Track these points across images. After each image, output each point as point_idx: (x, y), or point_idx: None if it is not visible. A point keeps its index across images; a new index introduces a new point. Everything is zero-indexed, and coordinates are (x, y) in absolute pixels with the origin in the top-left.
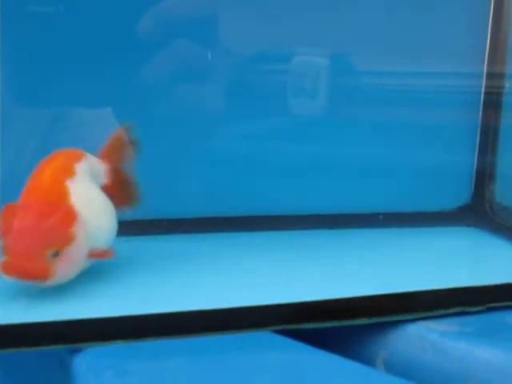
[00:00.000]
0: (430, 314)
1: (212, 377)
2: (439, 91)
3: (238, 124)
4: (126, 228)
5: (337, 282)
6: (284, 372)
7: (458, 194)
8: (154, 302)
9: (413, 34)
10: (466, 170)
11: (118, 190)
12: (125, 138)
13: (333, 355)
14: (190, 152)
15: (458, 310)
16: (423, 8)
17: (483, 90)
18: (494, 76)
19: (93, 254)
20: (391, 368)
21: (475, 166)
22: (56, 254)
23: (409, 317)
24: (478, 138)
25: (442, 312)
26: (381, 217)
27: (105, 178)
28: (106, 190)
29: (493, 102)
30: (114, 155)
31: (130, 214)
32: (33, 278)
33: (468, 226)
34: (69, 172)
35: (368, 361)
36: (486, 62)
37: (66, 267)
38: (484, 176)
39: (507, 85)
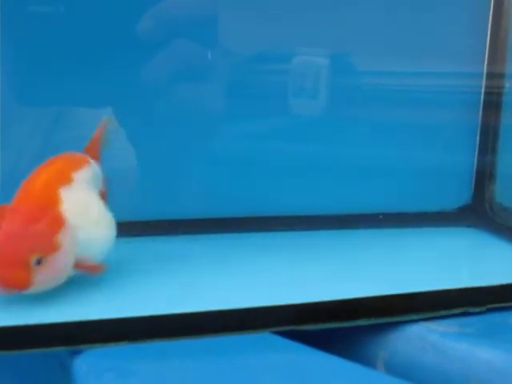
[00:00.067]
0: (431, 314)
1: (212, 378)
2: (439, 91)
3: (238, 124)
4: (125, 229)
5: (337, 282)
6: (284, 373)
7: (458, 194)
8: (154, 303)
9: (413, 34)
10: (466, 170)
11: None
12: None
13: (333, 356)
14: (190, 152)
15: (458, 310)
16: (423, 8)
17: (483, 90)
18: (494, 76)
19: (80, 266)
20: (391, 369)
21: (475, 166)
22: (39, 262)
23: (409, 317)
24: (478, 138)
25: (442, 313)
26: (381, 216)
27: (103, 183)
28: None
29: (493, 102)
30: (99, 154)
31: (130, 214)
32: (11, 288)
33: (468, 226)
34: (65, 178)
35: (368, 362)
36: (485, 62)
37: (49, 276)
38: (484, 176)
39: (507, 85)
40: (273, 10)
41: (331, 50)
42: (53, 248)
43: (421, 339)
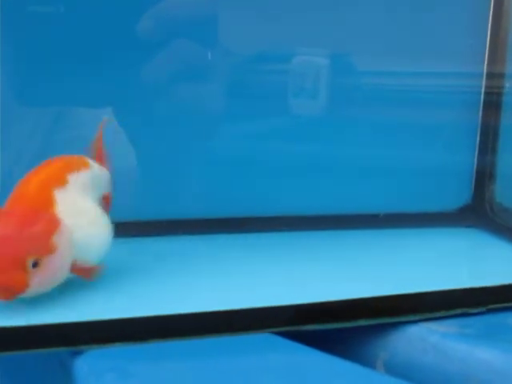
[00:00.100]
0: (431, 315)
1: (213, 378)
2: (439, 91)
3: (238, 124)
4: (125, 229)
5: (337, 283)
6: (284, 374)
7: (458, 195)
8: (154, 304)
9: (413, 34)
10: (466, 171)
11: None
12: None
13: (333, 357)
14: (190, 152)
15: (458, 311)
16: (423, 8)
17: (483, 90)
18: (494, 76)
19: (75, 270)
20: (391, 370)
21: (475, 167)
22: (35, 264)
23: (409, 318)
24: (478, 138)
25: (442, 313)
26: (381, 215)
27: (108, 186)
28: (106, 197)
29: (493, 102)
30: (104, 157)
31: (131, 215)
32: (9, 292)
33: (468, 226)
34: (59, 180)
35: (368, 362)
36: (485, 62)
37: (46, 278)
38: (484, 176)
39: (507, 85)
40: (273, 10)
41: (331, 50)
42: (49, 250)
43: (421, 340)
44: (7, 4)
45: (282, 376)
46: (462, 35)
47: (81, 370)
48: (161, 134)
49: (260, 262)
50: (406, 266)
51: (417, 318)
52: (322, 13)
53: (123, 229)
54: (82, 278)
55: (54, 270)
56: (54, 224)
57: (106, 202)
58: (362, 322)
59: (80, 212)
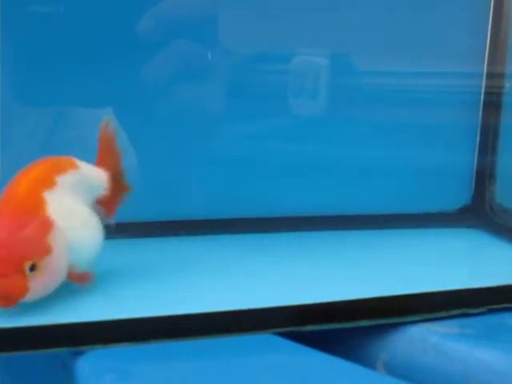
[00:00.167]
0: (431, 315)
1: (214, 379)
2: (439, 91)
3: (238, 124)
4: (125, 230)
5: (337, 283)
6: (285, 374)
7: (458, 195)
8: (155, 304)
9: (413, 34)
10: (466, 171)
11: (118, 195)
12: (110, 135)
13: (334, 357)
14: (190, 152)
15: (458, 311)
16: (423, 8)
17: (483, 90)
18: (494, 76)
19: (71, 276)
20: (392, 370)
21: (475, 167)
22: (33, 268)
23: (409, 319)
24: (478, 139)
25: (442, 314)
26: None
27: (105, 187)
28: (107, 199)
29: (493, 102)
30: (109, 158)
31: (131, 215)
32: (8, 298)
33: (468, 227)
34: (47, 182)
35: (368, 363)
36: (485, 62)
37: (44, 281)
38: (484, 177)
39: (507, 85)
40: (273, 10)
41: (331, 50)
42: (44, 252)
43: (421, 340)
44: (7, 4)
45: (283, 376)
46: (462, 35)
47: (82, 370)
48: (161, 134)
49: (261, 263)
50: (406, 267)
51: (417, 318)
52: (322, 13)
53: (124, 229)
54: (76, 283)
55: (52, 272)
56: (47, 225)
57: (104, 205)
58: (363, 323)
59: (70, 214)
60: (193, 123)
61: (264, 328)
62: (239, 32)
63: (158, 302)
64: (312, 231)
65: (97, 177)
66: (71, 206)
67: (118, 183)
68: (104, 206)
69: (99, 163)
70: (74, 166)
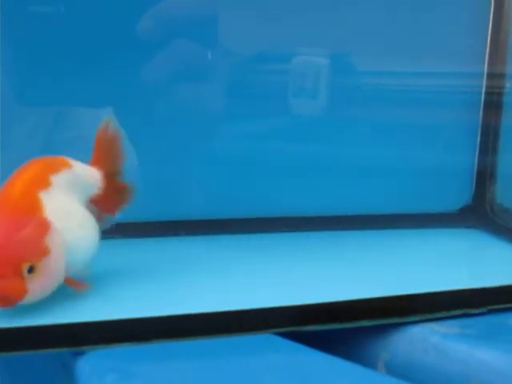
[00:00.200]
0: (432, 316)
1: (215, 379)
2: (439, 91)
3: (238, 124)
4: (125, 230)
5: (338, 283)
6: (286, 374)
7: (458, 195)
8: (156, 305)
9: (413, 34)
10: (466, 171)
11: (115, 194)
12: (109, 134)
13: (334, 357)
14: (191, 152)
15: (459, 311)
16: (423, 8)
17: (484, 90)
18: (495, 76)
19: (68, 280)
20: (392, 370)
21: (476, 167)
22: (31, 270)
23: (410, 319)
24: (478, 139)
25: (443, 314)
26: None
27: (99, 186)
28: (101, 198)
29: (493, 103)
30: (105, 157)
31: (130, 215)
32: (7, 300)
33: (469, 227)
34: (43, 183)
35: (369, 363)
36: (486, 62)
37: (43, 282)
38: (485, 177)
39: (508, 85)
40: (273, 10)
41: (331, 50)
42: (42, 253)
43: (422, 340)
44: (7, 4)
45: (284, 376)
46: (463, 35)
47: (83, 370)
48: (161, 134)
49: (261, 263)
50: (406, 267)
51: (418, 318)
52: (322, 13)
53: (124, 229)
54: (72, 288)
55: (50, 274)
56: (44, 227)
57: (99, 204)
58: (364, 323)
59: (67, 214)
60: (193, 123)
61: (264, 328)
62: (239, 32)
63: (159, 302)
64: (312, 231)
65: (90, 176)
66: (67, 207)
67: (114, 183)
68: (99, 205)
69: (93, 162)
70: (67, 166)
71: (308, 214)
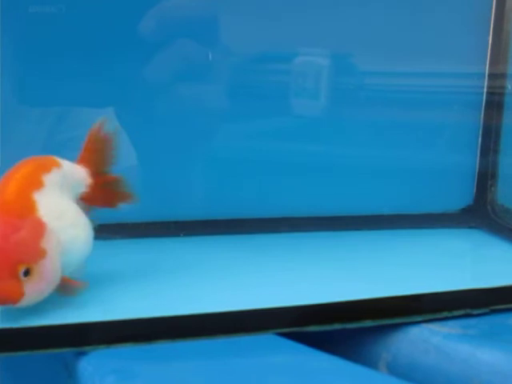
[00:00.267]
0: (433, 316)
1: (216, 379)
2: (441, 92)
3: (239, 124)
4: (126, 230)
5: (339, 284)
6: (287, 374)
7: (460, 196)
8: (157, 305)
9: (415, 35)
10: (467, 172)
11: (107, 191)
12: (101, 135)
13: (336, 358)
14: (192, 152)
15: (461, 312)
16: (425, 8)
17: (485, 91)
18: (496, 76)
19: (65, 281)
20: (394, 371)
21: (477, 168)
22: (27, 273)
23: (412, 319)
24: (480, 139)
25: (445, 314)
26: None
27: (87, 185)
28: (90, 195)
29: (495, 103)
30: (93, 157)
31: (131, 215)
32: (3, 303)
33: (470, 227)
34: (36, 183)
35: (371, 364)
36: (487, 63)
37: (39, 285)
38: (486, 177)
39: (509, 85)
40: (274, 11)
41: (332, 50)
42: (39, 255)
43: (423, 341)
44: (7, 4)
45: (286, 377)
46: (464, 35)
47: (85, 370)
48: (162, 134)
49: (261, 263)
50: (408, 267)
51: (419, 319)
52: (323, 13)
53: (124, 229)
54: (65, 294)
55: (47, 276)
56: (40, 228)
57: (88, 202)
58: (365, 323)
59: (60, 214)
60: (194, 123)
61: (266, 328)
62: (241, 32)
63: (159, 303)
64: (313, 231)
65: (77, 174)
66: (60, 206)
67: (103, 179)
68: (88, 203)
69: (80, 161)
70: (57, 165)
71: (309, 215)
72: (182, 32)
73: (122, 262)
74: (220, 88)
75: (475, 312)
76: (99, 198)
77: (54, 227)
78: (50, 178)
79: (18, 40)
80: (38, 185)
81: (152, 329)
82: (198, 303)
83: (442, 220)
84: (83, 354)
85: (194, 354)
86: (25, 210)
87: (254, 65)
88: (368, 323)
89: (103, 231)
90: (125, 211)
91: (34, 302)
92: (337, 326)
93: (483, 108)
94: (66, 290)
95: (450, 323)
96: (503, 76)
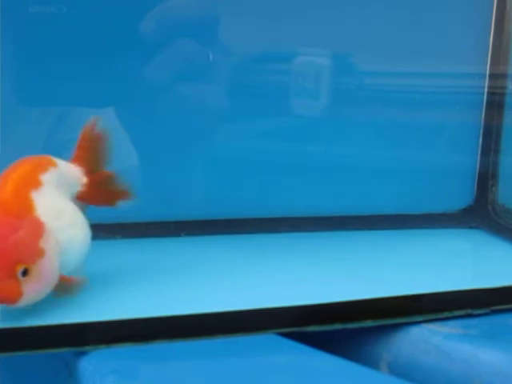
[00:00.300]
0: (434, 316)
1: (217, 379)
2: (441, 92)
3: (240, 124)
4: (126, 230)
5: (339, 284)
6: (288, 374)
7: (460, 196)
8: (158, 305)
9: (415, 35)
10: (468, 172)
11: (103, 189)
12: (94, 133)
13: (337, 358)
14: (192, 152)
15: (462, 312)
16: (425, 8)
17: (486, 91)
18: (497, 76)
19: (65, 280)
20: (395, 371)
21: (478, 168)
22: (25, 273)
23: (412, 319)
24: (480, 139)
25: (446, 314)
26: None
27: (82, 184)
28: (86, 194)
29: (495, 103)
30: (88, 155)
31: (131, 215)
32: (1, 303)
33: (471, 227)
34: (33, 183)
35: (372, 364)
36: (488, 63)
37: (38, 285)
38: (487, 177)
39: (510, 85)
40: (274, 11)
41: (333, 51)
42: (37, 255)
43: (424, 341)
44: (7, 4)
45: (287, 377)
46: (465, 35)
47: (86, 370)
48: (162, 134)
49: (261, 263)
50: (408, 267)
51: (420, 319)
52: (323, 13)
53: (124, 229)
54: (64, 294)
55: (46, 276)
56: (38, 228)
57: (84, 201)
58: (366, 323)
59: (58, 214)
60: (194, 123)
61: (267, 328)
62: (241, 32)
63: (159, 302)
64: (313, 232)
65: (72, 173)
66: (58, 206)
67: (101, 183)
68: (86, 202)
69: (74, 160)
70: (53, 164)
71: (309, 215)
72: (182, 32)
73: (122, 262)
74: (220, 88)
75: (476, 312)
76: (96, 196)
77: (52, 227)
78: (47, 178)
79: (18, 40)
80: (36, 184)
81: (152, 329)
82: (198, 303)
83: (443, 220)
84: (84, 353)
85: (194, 353)
86: (23, 210)
87: (254, 65)
88: (369, 323)
89: (103, 231)
90: (125, 211)
91: (33, 302)
92: (337, 326)
93: (484, 108)
94: (64, 289)
95: (451, 323)
96: (504, 76)
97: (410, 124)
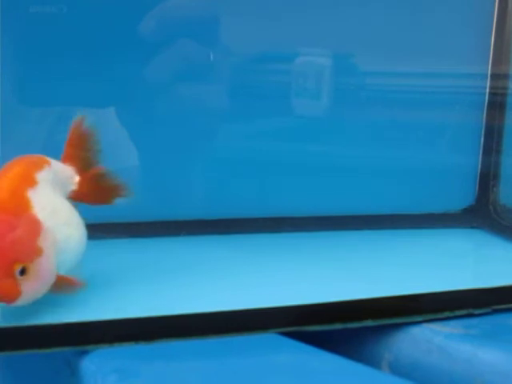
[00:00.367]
0: (435, 316)
1: (218, 379)
2: (443, 92)
3: (240, 124)
4: (126, 230)
5: (340, 283)
6: (289, 374)
7: (462, 196)
8: (159, 304)
9: (416, 35)
10: (470, 172)
11: (97, 187)
12: (82, 132)
13: (338, 357)
14: (192, 152)
15: (463, 312)
16: (427, 8)
17: (487, 91)
18: (499, 77)
19: (62, 279)
20: (396, 370)
21: (479, 168)
22: (23, 271)
23: (414, 319)
24: (482, 139)
25: (447, 314)
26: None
27: (75, 182)
28: (80, 193)
29: (497, 103)
30: (78, 154)
31: (131, 215)
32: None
33: (472, 227)
34: (30, 181)
35: (373, 363)
36: (490, 63)
37: (36, 284)
38: (488, 177)
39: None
40: (275, 11)
41: (333, 51)
42: (35, 254)
43: (425, 341)
44: (7, 4)
45: (288, 376)
46: (467, 36)
47: (87, 369)
48: (162, 134)
49: (262, 263)
50: (410, 267)
51: (421, 318)
52: (323, 13)
53: (124, 229)
54: (62, 293)
55: (43, 275)
56: (36, 226)
57: (78, 201)
58: (367, 323)
59: (54, 212)
60: (194, 123)
61: (268, 328)
62: (242, 32)
63: (159, 302)
64: (315, 232)
65: (65, 172)
66: (54, 205)
67: (93, 180)
68: (81, 201)
69: (65, 159)
70: (47, 163)
71: (309, 214)
72: (182, 32)
73: (122, 262)
74: (220, 88)
75: (477, 312)
76: (90, 195)
77: (49, 225)
78: (43, 176)
79: (18, 40)
80: (32, 183)
81: (153, 328)
82: (198, 303)
83: (444, 220)
84: (86, 352)
85: (196, 353)
86: (19, 208)
87: (254, 65)
88: (369, 323)
89: (103, 230)
90: (125, 211)
91: (31, 301)
92: (338, 326)
93: (485, 108)
94: (62, 288)
95: (452, 323)
96: (505, 76)
97: (411, 124)
